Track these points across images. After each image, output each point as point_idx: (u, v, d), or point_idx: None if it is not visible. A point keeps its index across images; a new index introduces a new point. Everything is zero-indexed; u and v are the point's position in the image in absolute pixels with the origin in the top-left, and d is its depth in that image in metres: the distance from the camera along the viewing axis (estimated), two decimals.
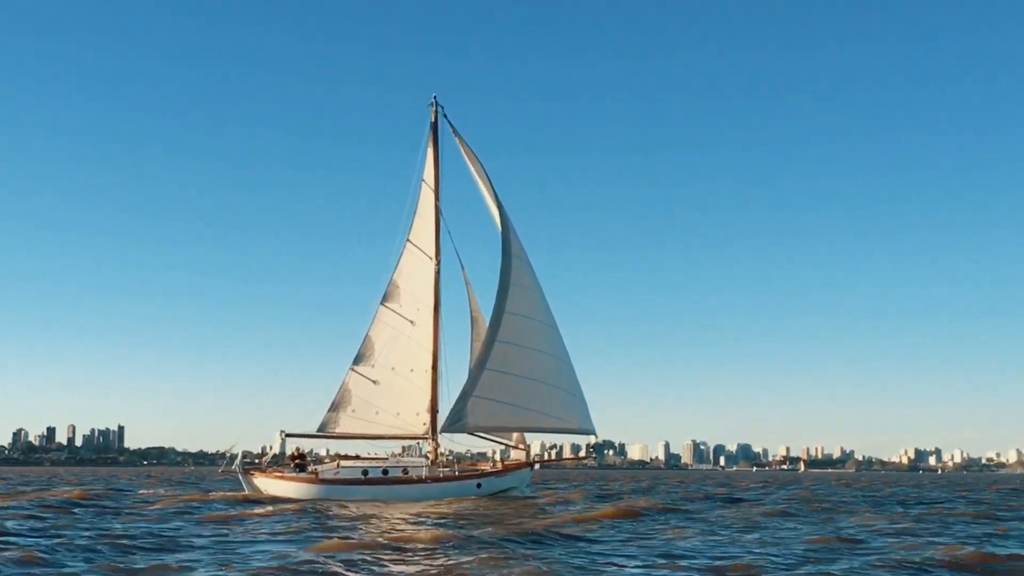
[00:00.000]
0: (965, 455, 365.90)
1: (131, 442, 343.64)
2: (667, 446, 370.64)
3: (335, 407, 43.19)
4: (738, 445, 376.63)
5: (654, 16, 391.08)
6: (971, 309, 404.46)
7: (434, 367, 44.45)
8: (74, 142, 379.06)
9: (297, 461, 43.03)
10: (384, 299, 44.33)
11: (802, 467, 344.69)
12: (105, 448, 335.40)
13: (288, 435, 42.72)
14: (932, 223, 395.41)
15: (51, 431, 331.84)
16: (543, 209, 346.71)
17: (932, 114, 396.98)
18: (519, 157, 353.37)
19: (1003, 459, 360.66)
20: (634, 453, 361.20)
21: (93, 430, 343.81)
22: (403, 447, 45.48)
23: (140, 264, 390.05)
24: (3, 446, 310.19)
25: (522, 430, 44.84)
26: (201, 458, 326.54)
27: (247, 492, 42.05)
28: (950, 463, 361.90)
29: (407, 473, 42.21)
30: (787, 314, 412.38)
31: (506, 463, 45.38)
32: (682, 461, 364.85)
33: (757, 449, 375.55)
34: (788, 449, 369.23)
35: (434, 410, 44.29)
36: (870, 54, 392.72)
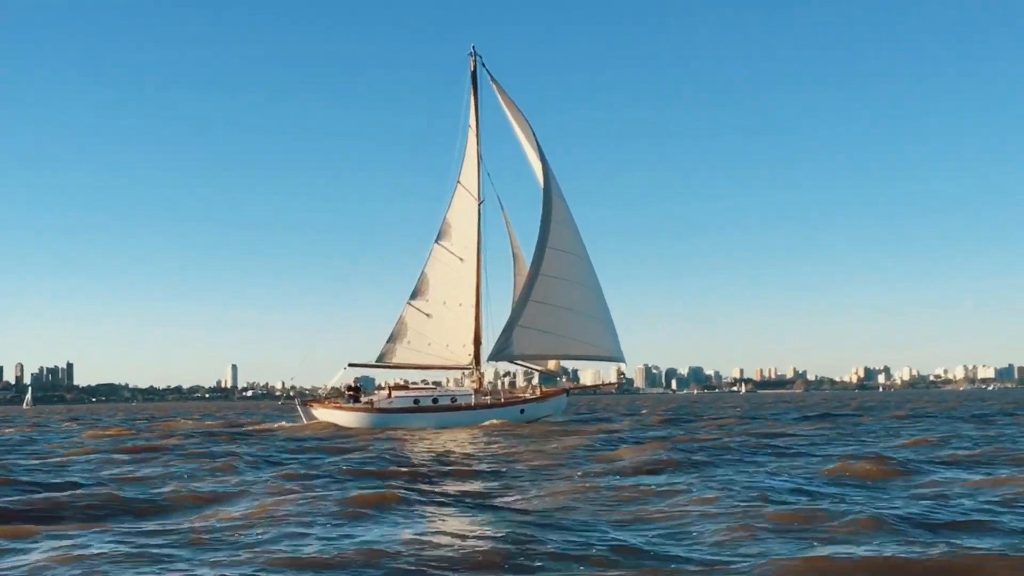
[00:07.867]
0: (914, 372, 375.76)
1: (80, 379, 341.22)
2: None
3: (393, 339, 45.94)
4: (689, 368, 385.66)
5: None
6: (921, 231, 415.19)
7: (477, 301, 47.28)
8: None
9: (351, 392, 45.69)
10: (438, 237, 47.07)
11: (743, 388, 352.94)
12: (54, 386, 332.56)
13: (351, 364, 45.41)
14: (890, 149, 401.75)
15: None
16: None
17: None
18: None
19: (950, 375, 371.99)
20: (586, 378, 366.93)
21: (42, 368, 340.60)
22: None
23: (108, 197, 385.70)
24: None
25: (561, 357, 47.92)
26: (151, 393, 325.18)
27: (306, 422, 44.69)
28: (899, 381, 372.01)
29: (455, 401, 45.09)
30: (739, 238, 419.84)
31: (544, 390, 48.46)
32: (634, 385, 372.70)
33: (709, 372, 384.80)
34: (742, 371, 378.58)
35: (477, 341, 47.16)
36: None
